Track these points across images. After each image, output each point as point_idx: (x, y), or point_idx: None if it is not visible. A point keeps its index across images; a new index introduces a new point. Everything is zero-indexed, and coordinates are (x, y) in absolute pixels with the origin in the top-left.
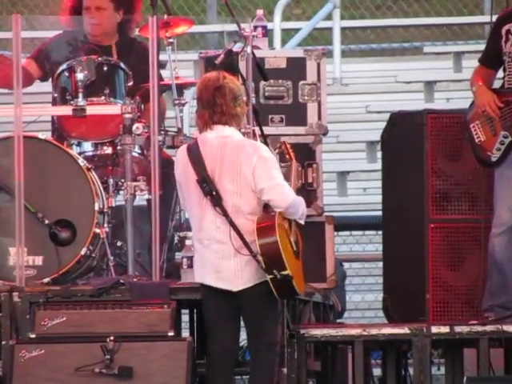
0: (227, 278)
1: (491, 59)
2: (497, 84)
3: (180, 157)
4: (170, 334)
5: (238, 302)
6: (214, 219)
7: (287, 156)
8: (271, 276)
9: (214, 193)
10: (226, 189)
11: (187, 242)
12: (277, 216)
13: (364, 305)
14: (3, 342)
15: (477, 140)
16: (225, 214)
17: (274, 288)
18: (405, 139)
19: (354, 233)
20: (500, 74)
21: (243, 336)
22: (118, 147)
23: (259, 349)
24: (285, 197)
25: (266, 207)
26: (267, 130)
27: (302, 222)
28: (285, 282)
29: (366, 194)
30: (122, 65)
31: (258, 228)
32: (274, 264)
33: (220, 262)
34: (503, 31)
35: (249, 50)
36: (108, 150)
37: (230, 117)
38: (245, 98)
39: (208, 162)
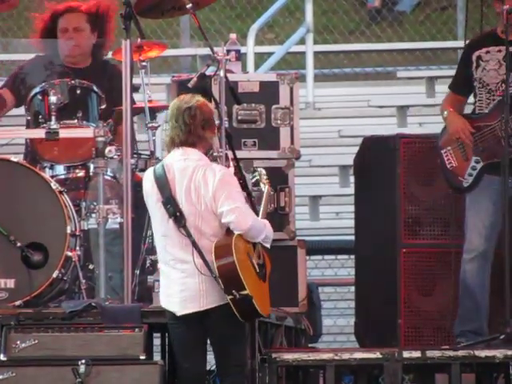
0: (192, 298)
1: (462, 86)
2: (467, 109)
3: (146, 178)
4: (142, 357)
5: (204, 324)
6: (178, 240)
7: (261, 183)
8: (230, 296)
9: (177, 214)
10: (189, 210)
11: (159, 265)
12: (234, 237)
13: (336, 329)
14: None
15: (448, 166)
16: (188, 235)
17: (234, 308)
18: (377, 163)
19: (326, 257)
20: (471, 99)
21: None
22: (91, 170)
23: (228, 372)
24: (244, 219)
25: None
26: (240, 153)
27: (267, 245)
28: (245, 302)
29: (338, 218)
30: (95, 88)
31: (215, 249)
32: (232, 284)
33: (185, 281)
34: (473, 57)
35: (222, 73)
36: (80, 173)
37: (197, 138)
38: (217, 123)
39: (172, 183)
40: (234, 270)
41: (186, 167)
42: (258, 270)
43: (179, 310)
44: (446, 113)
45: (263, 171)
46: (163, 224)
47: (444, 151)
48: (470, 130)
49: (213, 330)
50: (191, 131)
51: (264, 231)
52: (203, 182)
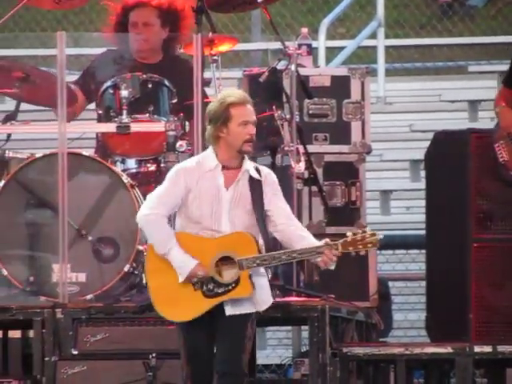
0: None
1: None
2: None
3: None
4: None
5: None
6: None
7: None
8: None
9: None
10: None
11: None
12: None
13: (407, 324)
14: (46, 359)
15: (500, 159)
16: None
17: None
18: (448, 158)
19: (397, 251)
20: None
21: (285, 353)
22: (162, 164)
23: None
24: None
25: None
26: (311, 148)
27: (156, 250)
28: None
29: (409, 213)
30: (167, 82)
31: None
32: None
33: None
34: None
35: (293, 68)
36: (151, 167)
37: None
38: (288, 117)
39: None
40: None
41: None
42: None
43: None
44: (498, 108)
45: None
46: None
47: (496, 145)
48: None
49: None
50: None
51: (145, 229)
52: None
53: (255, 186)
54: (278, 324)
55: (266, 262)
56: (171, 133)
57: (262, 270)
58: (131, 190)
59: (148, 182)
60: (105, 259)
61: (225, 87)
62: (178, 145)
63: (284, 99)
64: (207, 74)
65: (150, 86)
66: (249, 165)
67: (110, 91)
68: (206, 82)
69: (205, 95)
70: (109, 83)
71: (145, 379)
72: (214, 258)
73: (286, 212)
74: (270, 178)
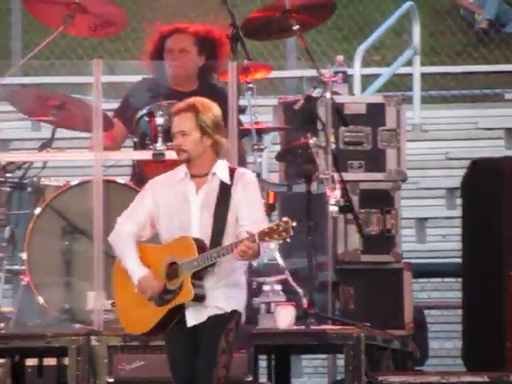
0: None
1: None
2: None
3: None
4: (248, 379)
5: None
6: None
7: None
8: None
9: None
10: None
11: (265, 288)
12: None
13: (443, 352)
14: None
15: None
16: None
17: None
18: (485, 186)
19: (432, 280)
20: None
21: (321, 381)
22: None
23: None
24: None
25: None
26: (346, 175)
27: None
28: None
29: (445, 241)
30: None
31: None
32: None
33: None
34: None
35: (328, 95)
36: None
37: None
38: (323, 145)
39: None
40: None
41: None
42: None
43: None
44: None
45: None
46: None
47: None
48: None
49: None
50: None
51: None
52: None
53: (224, 189)
54: (313, 352)
55: (202, 263)
56: None
57: (233, 279)
58: None
59: None
60: None
61: (260, 115)
62: None
63: (319, 127)
64: (242, 102)
65: None
66: (219, 168)
67: (146, 119)
68: (241, 110)
69: (240, 123)
70: (144, 111)
71: None
72: (164, 265)
73: (247, 216)
74: (241, 181)
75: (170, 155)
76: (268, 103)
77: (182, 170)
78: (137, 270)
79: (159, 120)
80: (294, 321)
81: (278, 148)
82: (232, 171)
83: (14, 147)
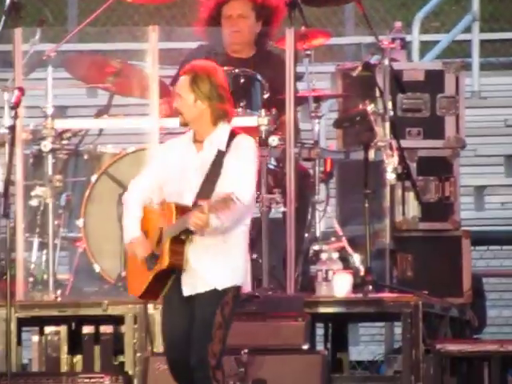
0: None
1: None
2: None
3: None
4: (305, 347)
5: None
6: None
7: None
8: None
9: None
10: None
11: (322, 256)
12: None
13: (501, 320)
14: (138, 354)
15: None
16: None
17: None
18: None
19: (491, 247)
20: None
21: (378, 349)
22: None
23: None
24: None
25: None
26: (404, 143)
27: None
28: None
29: (503, 209)
30: (259, 76)
31: None
32: None
33: None
34: None
35: (386, 62)
36: None
37: None
38: (381, 112)
39: None
40: None
41: None
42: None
43: None
44: None
45: None
46: None
47: None
48: None
49: None
50: None
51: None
52: None
53: (218, 157)
54: (370, 320)
55: (176, 229)
56: (263, 127)
57: (230, 252)
58: None
59: None
60: None
61: (317, 82)
62: (270, 139)
63: (377, 94)
64: (299, 69)
65: (242, 80)
66: (217, 135)
67: None
68: (299, 77)
69: (296, 90)
70: None
71: (236, 375)
72: (157, 230)
73: (225, 184)
74: (235, 149)
75: None
76: (326, 70)
77: (189, 134)
78: (130, 231)
79: None
80: (351, 289)
81: (335, 115)
82: (232, 138)
83: (71, 114)
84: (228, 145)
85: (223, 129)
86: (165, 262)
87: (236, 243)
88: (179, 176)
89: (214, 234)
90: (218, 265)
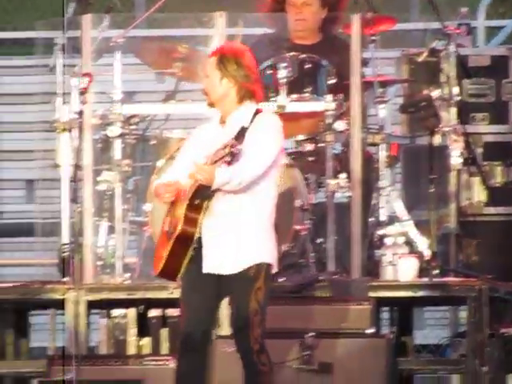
0: None
1: None
2: None
3: None
4: (370, 331)
5: None
6: None
7: None
8: None
9: None
10: None
11: (387, 240)
12: None
13: None
14: None
15: None
16: None
17: None
18: None
19: None
20: None
21: (443, 333)
22: (320, 144)
23: None
24: None
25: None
26: (469, 128)
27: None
28: None
29: None
30: (325, 62)
31: None
32: None
33: None
34: None
35: (452, 47)
36: (309, 147)
37: None
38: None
39: None
40: None
41: None
42: (167, 229)
43: None
44: None
45: None
46: None
47: None
48: None
49: None
50: None
51: None
52: None
53: (240, 133)
54: (436, 304)
55: (188, 194)
56: (330, 112)
57: (256, 231)
58: (289, 169)
59: (306, 161)
60: None
61: (383, 67)
62: (336, 124)
63: (442, 79)
64: (365, 54)
65: (307, 66)
66: (241, 113)
67: (268, 71)
68: (364, 62)
69: (363, 75)
70: (267, 63)
71: (302, 358)
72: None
73: (247, 151)
74: (257, 124)
75: (293, 107)
76: (391, 56)
77: (216, 117)
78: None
79: (282, 72)
80: (416, 273)
81: (400, 100)
82: (255, 114)
83: (138, 100)
84: (251, 122)
85: (248, 107)
86: (178, 228)
87: (262, 219)
88: (204, 154)
89: (229, 188)
90: (245, 241)
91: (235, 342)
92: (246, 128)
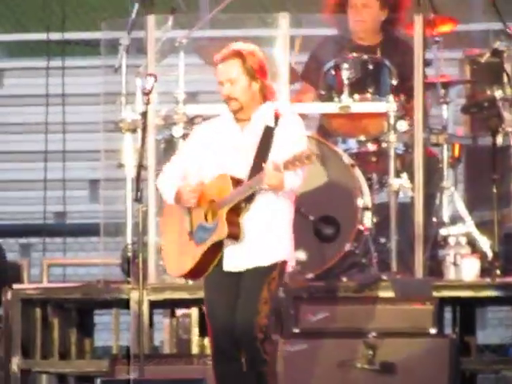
0: None
1: None
2: None
3: None
4: (433, 331)
5: None
6: None
7: None
8: None
9: None
10: None
11: (450, 240)
12: None
13: None
14: None
15: None
16: None
17: None
18: None
19: None
20: None
21: (506, 332)
22: (382, 144)
23: None
24: None
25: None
26: None
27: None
28: None
29: None
30: (387, 62)
31: None
32: None
33: None
34: None
35: None
36: (372, 147)
37: None
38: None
39: None
40: None
41: None
42: (189, 229)
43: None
44: None
45: None
46: None
47: None
48: None
49: None
50: None
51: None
52: None
53: (267, 132)
54: (498, 304)
55: (235, 198)
56: (392, 113)
57: (276, 228)
58: (352, 169)
59: (368, 161)
60: (326, 238)
61: (445, 68)
62: (398, 125)
63: (505, 80)
64: (428, 55)
65: (370, 66)
66: (264, 111)
67: (332, 72)
68: (427, 63)
69: (425, 76)
70: (331, 64)
71: (365, 357)
72: (204, 203)
73: (285, 150)
74: (285, 122)
75: (356, 108)
76: (454, 56)
77: (227, 113)
78: (171, 190)
79: (345, 73)
80: (479, 273)
81: (463, 101)
82: (277, 113)
83: (202, 100)
84: (276, 121)
85: (268, 106)
86: (223, 232)
87: (285, 220)
88: (221, 154)
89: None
90: (269, 242)
91: (238, 329)
92: (272, 128)
